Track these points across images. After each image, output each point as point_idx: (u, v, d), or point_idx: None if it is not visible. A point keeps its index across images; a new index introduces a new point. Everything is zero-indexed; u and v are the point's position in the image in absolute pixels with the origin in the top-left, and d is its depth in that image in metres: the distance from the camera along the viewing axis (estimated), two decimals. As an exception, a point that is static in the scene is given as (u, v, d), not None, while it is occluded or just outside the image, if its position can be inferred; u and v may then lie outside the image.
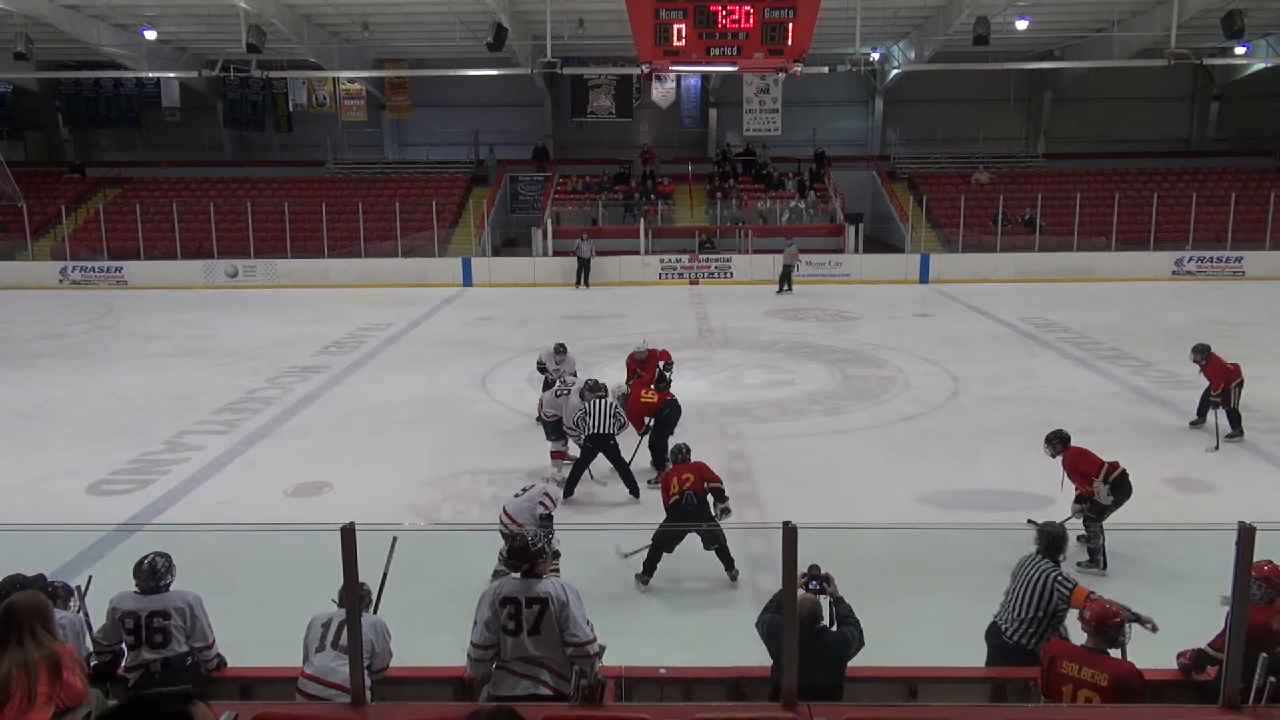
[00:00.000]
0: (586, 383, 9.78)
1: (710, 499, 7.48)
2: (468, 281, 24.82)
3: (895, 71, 28.15)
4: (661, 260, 25.17)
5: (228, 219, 25.87)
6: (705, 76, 28.14)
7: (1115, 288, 22.94)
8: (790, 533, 3.78)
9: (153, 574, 4.66)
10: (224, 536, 7.04)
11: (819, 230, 26.61)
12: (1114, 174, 28.09)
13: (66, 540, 6.44)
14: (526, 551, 4.33)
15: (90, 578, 5.11)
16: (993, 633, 5.29)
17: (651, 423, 10.10)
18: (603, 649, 4.33)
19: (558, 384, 10.45)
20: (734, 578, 7.26)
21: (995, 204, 26.07)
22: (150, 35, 24.27)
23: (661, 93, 29.02)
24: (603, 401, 9.36)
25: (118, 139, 31.53)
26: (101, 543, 7.53)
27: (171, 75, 27.62)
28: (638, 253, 25.30)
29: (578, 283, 24.04)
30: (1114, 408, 12.31)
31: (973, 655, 5.32)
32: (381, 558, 4.99)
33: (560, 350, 11.74)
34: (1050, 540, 5.31)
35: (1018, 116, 31.35)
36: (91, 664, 4.51)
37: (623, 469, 9.32)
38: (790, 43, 10.63)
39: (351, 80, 28.85)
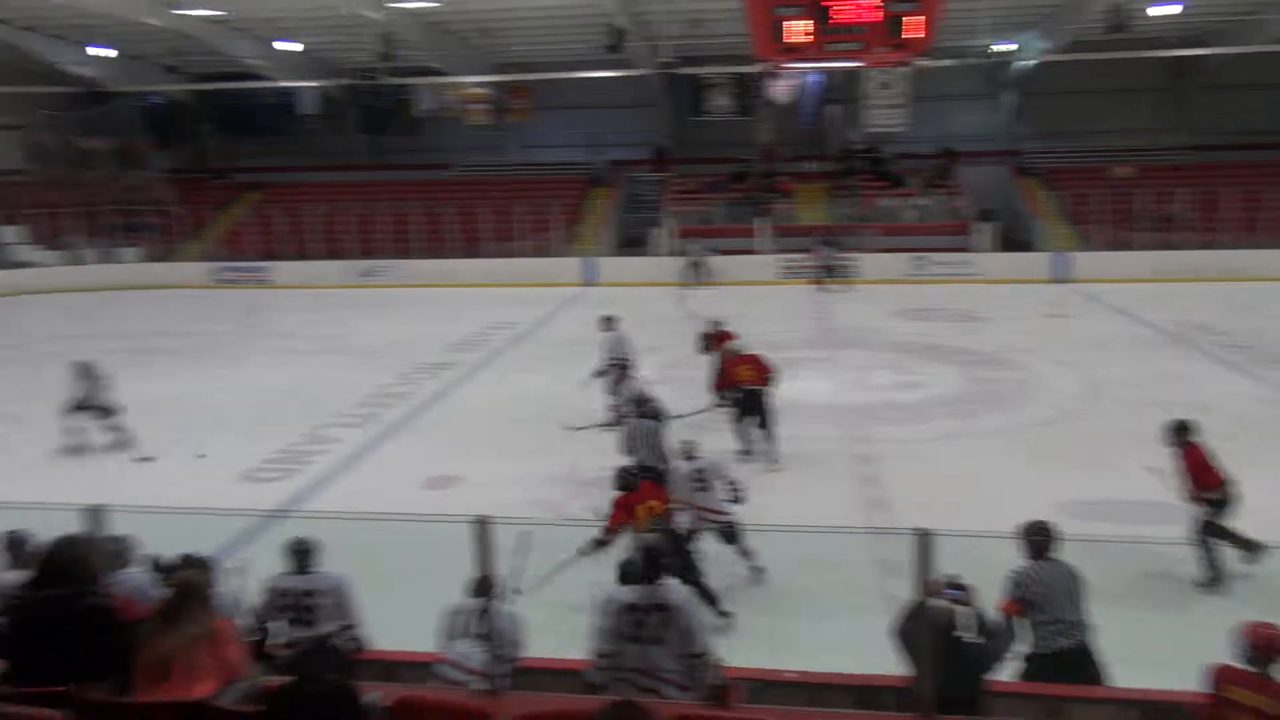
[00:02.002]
0: (634, 397, 9.22)
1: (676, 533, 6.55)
2: (591, 278, 25.13)
3: (1027, 63, 27.06)
4: (781, 259, 24.90)
5: (361, 221, 26.95)
6: (826, 72, 27.67)
7: (1267, 288, 21.43)
8: (924, 540, 3.68)
9: (304, 555, 4.88)
10: (364, 525, 7.32)
11: (946, 228, 25.85)
12: (1265, 167, 26.25)
13: (223, 524, 6.82)
14: (656, 561, 4.26)
15: (248, 559, 5.39)
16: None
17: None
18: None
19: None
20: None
21: (1134, 199, 24.74)
22: (289, 47, 25.51)
23: (780, 90, 28.59)
24: (645, 425, 8.58)
25: (261, 146, 33.20)
26: (253, 528, 7.95)
27: (309, 85, 28.97)
28: (757, 252, 25.10)
29: (690, 282, 24.04)
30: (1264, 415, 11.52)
31: (1123, 674, 5.05)
32: (508, 550, 5.08)
33: (608, 323, 11.53)
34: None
35: (1158, 107, 29.64)
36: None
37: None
38: (915, 36, 10.35)
39: (474, 85, 29.61)
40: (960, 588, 4.66)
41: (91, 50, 25.49)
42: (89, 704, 3.08)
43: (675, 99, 30.31)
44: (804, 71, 25.65)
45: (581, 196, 28.85)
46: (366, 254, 26.41)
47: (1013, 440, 11.02)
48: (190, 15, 22.78)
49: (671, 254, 25.49)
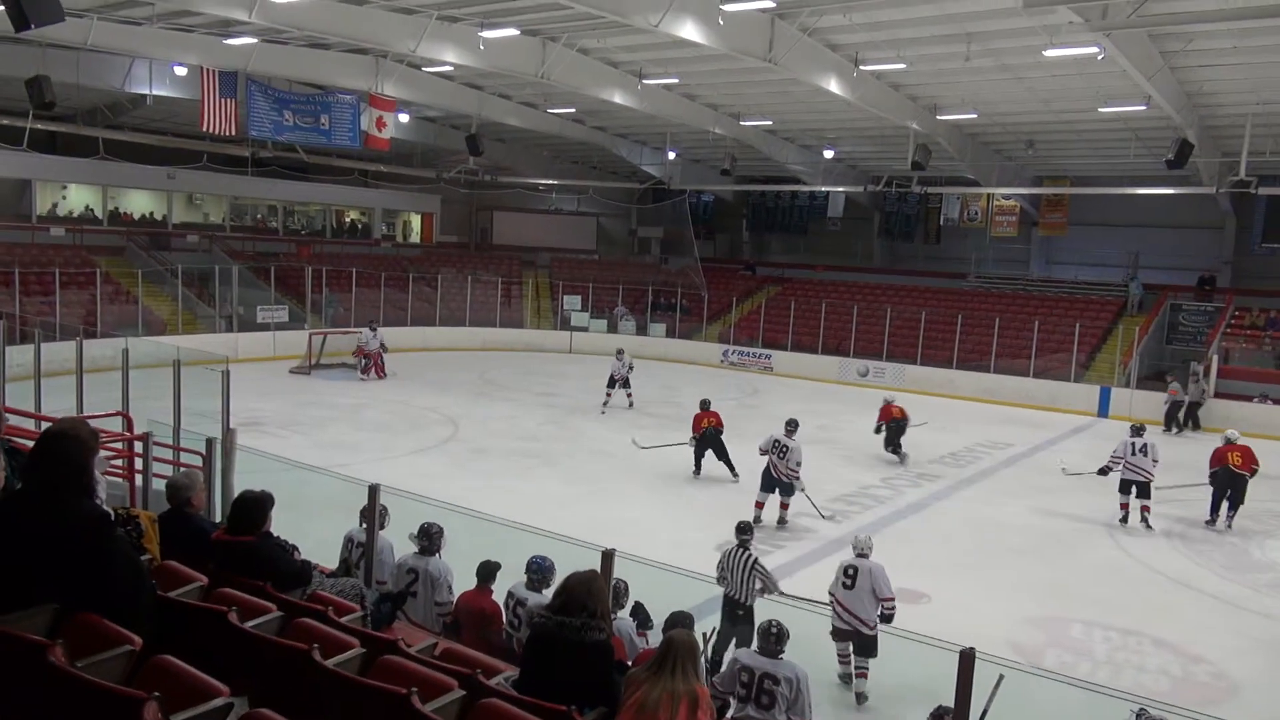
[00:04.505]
0: (738, 525, 7.67)
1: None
2: (1104, 412, 22.79)
3: None
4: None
5: (867, 322, 27.52)
6: None
7: None
8: None
9: (771, 638, 5.02)
10: (823, 620, 7.31)
11: None
12: None
13: (695, 587, 7.28)
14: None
15: (714, 628, 5.67)
16: None
17: None
18: None
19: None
20: None
21: None
22: (828, 154, 27.24)
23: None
24: (739, 555, 7.33)
25: (786, 243, 35.75)
26: (715, 596, 8.36)
27: (840, 190, 30.62)
28: (1330, 408, 20.79)
29: (1175, 426, 20.83)
30: None
31: None
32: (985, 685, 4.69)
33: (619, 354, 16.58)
34: None
35: None
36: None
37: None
38: None
39: (1006, 196, 28.84)
40: None
41: (666, 154, 29.69)
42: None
43: (1244, 222, 26.58)
44: None
45: (1109, 320, 26.41)
46: (868, 354, 26.83)
47: None
48: (751, 126, 25.52)
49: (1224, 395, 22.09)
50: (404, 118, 26.69)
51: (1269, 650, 8.69)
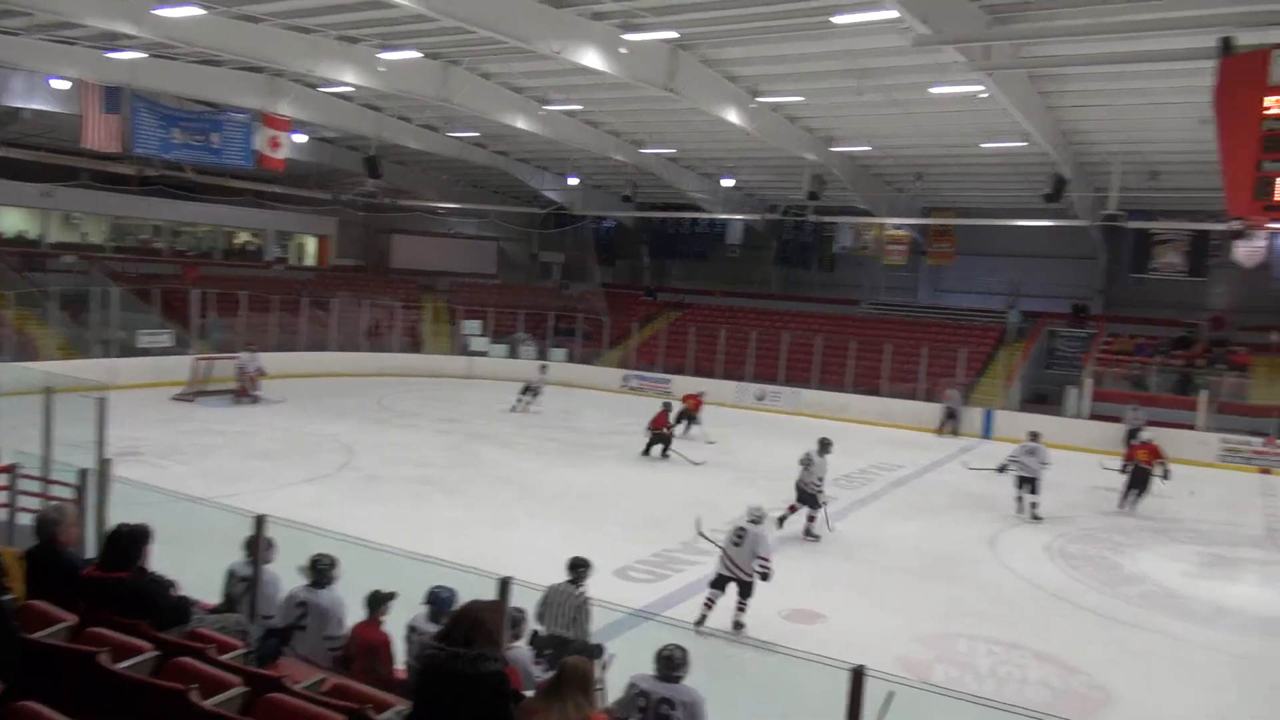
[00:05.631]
0: (571, 561, 7.20)
1: None
2: (988, 434, 23.75)
3: None
4: (1224, 440, 21.68)
5: (765, 346, 28.05)
6: (1307, 235, 24.14)
7: None
8: None
9: (669, 664, 5.02)
10: (723, 645, 7.37)
11: None
12: None
13: (598, 614, 7.23)
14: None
15: (613, 655, 5.66)
16: None
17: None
18: None
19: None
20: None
21: None
22: (728, 183, 27.78)
23: (1248, 251, 25.37)
24: (569, 591, 6.93)
25: (686, 269, 36.21)
26: (618, 623, 8.34)
27: (739, 218, 31.24)
28: (1193, 427, 22.14)
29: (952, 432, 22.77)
30: None
31: None
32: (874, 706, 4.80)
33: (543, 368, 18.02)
34: None
35: None
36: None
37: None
38: None
39: (897, 226, 29.89)
40: None
41: (567, 179, 29.78)
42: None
43: (1114, 253, 28.18)
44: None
45: (992, 346, 27.59)
46: (765, 379, 27.33)
47: None
48: (652, 153, 25.85)
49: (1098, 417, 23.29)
50: (300, 138, 26.09)
51: (1142, 660, 9.13)
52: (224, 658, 4.03)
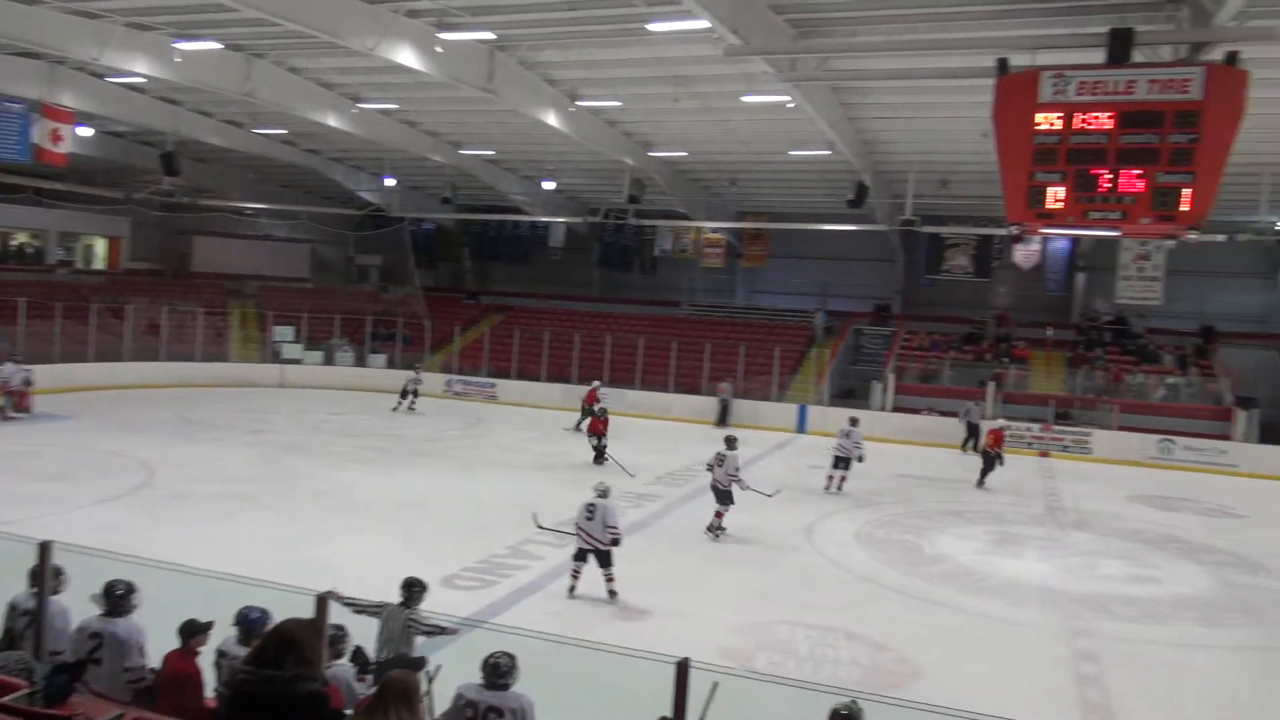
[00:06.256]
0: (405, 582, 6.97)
1: None
2: (801, 429, 24.90)
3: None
4: (1009, 427, 23.63)
5: (589, 349, 28.27)
6: (1075, 240, 26.70)
7: None
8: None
9: (496, 671, 4.98)
10: (551, 646, 7.37)
11: (1201, 412, 23.73)
12: None
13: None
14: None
15: (439, 666, 5.56)
16: None
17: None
18: None
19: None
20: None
21: None
22: (549, 185, 27.80)
23: (1025, 254, 27.91)
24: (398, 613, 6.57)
25: (508, 272, 35.97)
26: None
27: (560, 220, 31.34)
28: (985, 417, 24.02)
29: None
30: None
31: None
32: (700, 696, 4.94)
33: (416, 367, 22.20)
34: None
35: None
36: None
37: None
38: (1185, 209, 9.76)
39: (714, 230, 30.84)
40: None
41: (384, 180, 28.91)
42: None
43: (911, 256, 30.19)
44: (1052, 237, 24.97)
45: (804, 344, 28.95)
46: (589, 380, 27.50)
47: (1272, 658, 9.63)
48: (470, 154, 25.49)
49: (900, 409, 24.85)
50: (86, 131, 24.05)
51: (943, 635, 9.83)
52: (6, 699, 3.68)
